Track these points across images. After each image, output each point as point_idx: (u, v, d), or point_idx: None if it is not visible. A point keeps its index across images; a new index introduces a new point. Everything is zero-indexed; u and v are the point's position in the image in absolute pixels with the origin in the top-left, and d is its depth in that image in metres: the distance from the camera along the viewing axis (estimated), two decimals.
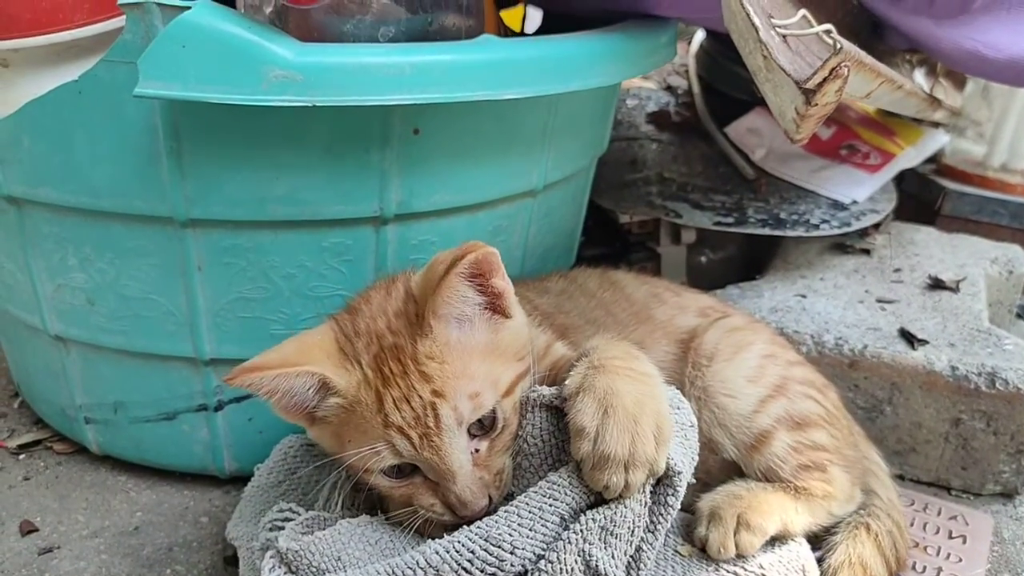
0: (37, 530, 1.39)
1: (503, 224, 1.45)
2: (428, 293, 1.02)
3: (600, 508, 0.98)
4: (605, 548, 0.97)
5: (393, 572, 0.94)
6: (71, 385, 1.48)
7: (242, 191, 1.22)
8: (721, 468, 1.31)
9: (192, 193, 1.21)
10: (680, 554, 1.22)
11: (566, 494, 0.99)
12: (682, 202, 1.93)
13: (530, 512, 0.98)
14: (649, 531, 1.02)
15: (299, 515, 1.14)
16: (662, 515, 1.02)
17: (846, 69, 0.98)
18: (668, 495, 1.02)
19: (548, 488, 1.00)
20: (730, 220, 1.86)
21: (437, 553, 0.94)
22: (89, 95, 1.17)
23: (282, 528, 1.11)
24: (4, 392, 1.79)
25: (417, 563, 0.94)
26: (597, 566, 0.96)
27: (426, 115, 1.24)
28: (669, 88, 2.48)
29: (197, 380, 1.40)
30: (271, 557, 1.05)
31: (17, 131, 1.23)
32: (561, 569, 0.95)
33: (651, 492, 1.02)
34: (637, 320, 1.36)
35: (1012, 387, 1.46)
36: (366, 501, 1.18)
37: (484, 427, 1.04)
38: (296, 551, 1.03)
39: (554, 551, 0.95)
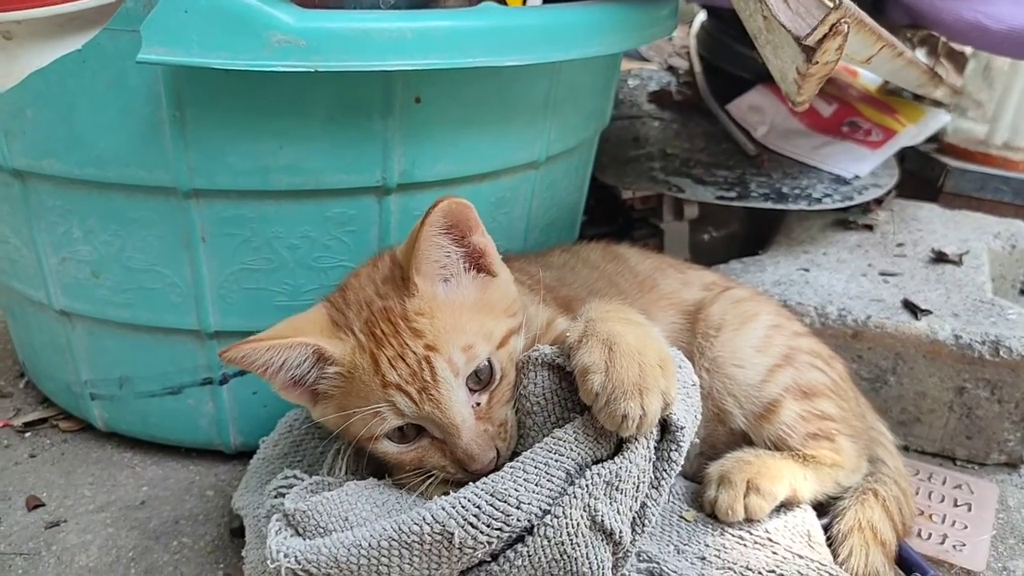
0: (43, 505, 1.40)
1: (506, 196, 1.45)
2: (409, 252, 1.03)
3: (605, 463, 0.98)
4: (611, 503, 0.98)
5: (400, 529, 0.95)
6: (76, 361, 1.48)
7: (245, 160, 1.23)
8: (728, 440, 1.32)
9: (195, 163, 1.22)
10: (685, 519, 1.23)
11: (572, 449, 0.99)
12: (684, 177, 1.93)
13: (535, 467, 0.98)
14: (653, 487, 1.03)
15: (304, 481, 1.15)
16: (666, 471, 1.03)
17: (846, 26, 0.98)
18: (671, 450, 1.02)
19: (553, 444, 1.00)
20: (732, 194, 1.86)
21: (443, 509, 0.94)
22: (92, 65, 1.17)
23: (287, 495, 1.12)
24: (10, 372, 1.80)
25: (424, 519, 0.94)
26: (603, 521, 0.97)
27: (428, 83, 1.24)
28: (670, 68, 2.49)
29: (202, 353, 1.40)
30: (277, 520, 1.06)
31: (21, 103, 1.23)
32: (567, 524, 0.95)
33: (655, 448, 1.02)
34: (641, 290, 1.37)
35: (1016, 355, 1.46)
36: (368, 466, 1.18)
37: (482, 380, 1.05)
38: (304, 511, 1.03)
39: (559, 506, 0.96)
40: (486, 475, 1.00)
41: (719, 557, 1.15)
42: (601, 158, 1.86)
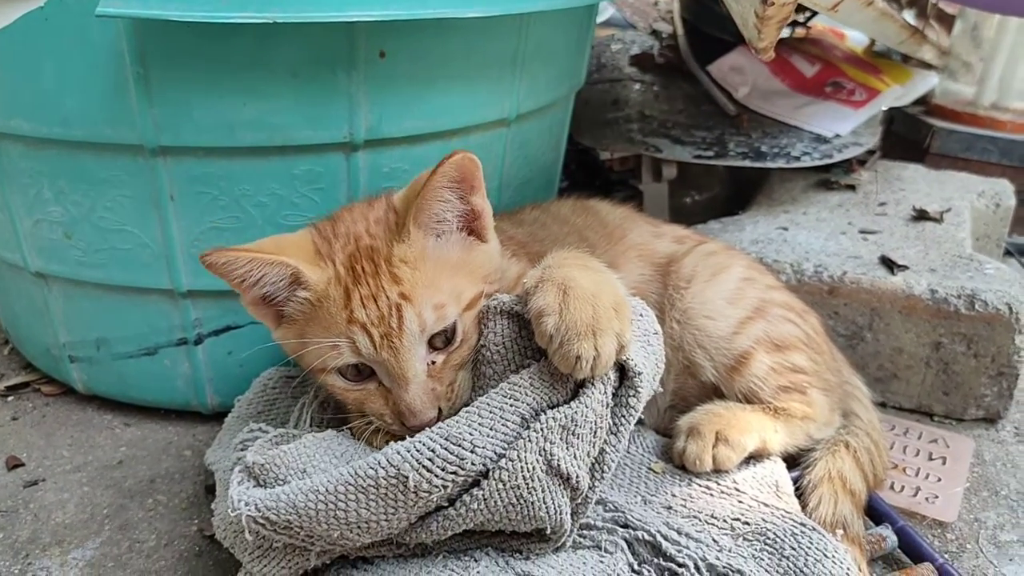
0: (23, 465, 1.41)
1: (477, 154, 1.42)
2: (411, 200, 1.03)
3: (561, 408, 0.98)
4: (567, 448, 0.98)
5: (356, 473, 0.95)
6: (54, 323, 1.49)
7: (210, 117, 1.23)
8: (700, 393, 1.32)
9: (161, 119, 1.22)
10: (653, 471, 1.24)
11: (526, 394, 1.00)
12: (663, 138, 1.92)
13: (491, 412, 0.98)
14: (612, 434, 1.03)
15: (268, 433, 1.15)
16: (624, 417, 1.03)
17: None
18: (629, 395, 1.02)
19: (508, 389, 1.00)
20: (710, 154, 1.85)
21: (398, 453, 0.95)
22: (55, 21, 1.17)
23: (250, 447, 1.13)
24: None
25: (379, 463, 0.95)
26: (559, 465, 0.97)
27: (392, 36, 1.24)
28: (654, 32, 2.47)
29: (176, 313, 1.41)
30: (240, 471, 1.07)
31: None
32: (522, 467, 0.95)
33: (613, 395, 1.02)
34: (609, 241, 1.37)
35: (992, 308, 1.46)
36: (332, 419, 1.19)
37: (445, 339, 1.05)
38: (262, 464, 1.04)
39: (515, 449, 0.96)
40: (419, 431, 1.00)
41: (685, 506, 1.16)
42: (580, 121, 1.86)
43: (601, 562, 1.04)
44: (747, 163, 1.81)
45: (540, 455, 0.97)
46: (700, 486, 1.20)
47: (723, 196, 2.14)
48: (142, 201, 1.30)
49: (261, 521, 0.97)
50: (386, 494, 0.95)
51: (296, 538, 0.98)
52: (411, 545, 1.02)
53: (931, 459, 1.43)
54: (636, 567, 1.04)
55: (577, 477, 0.99)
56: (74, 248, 1.36)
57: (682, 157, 1.83)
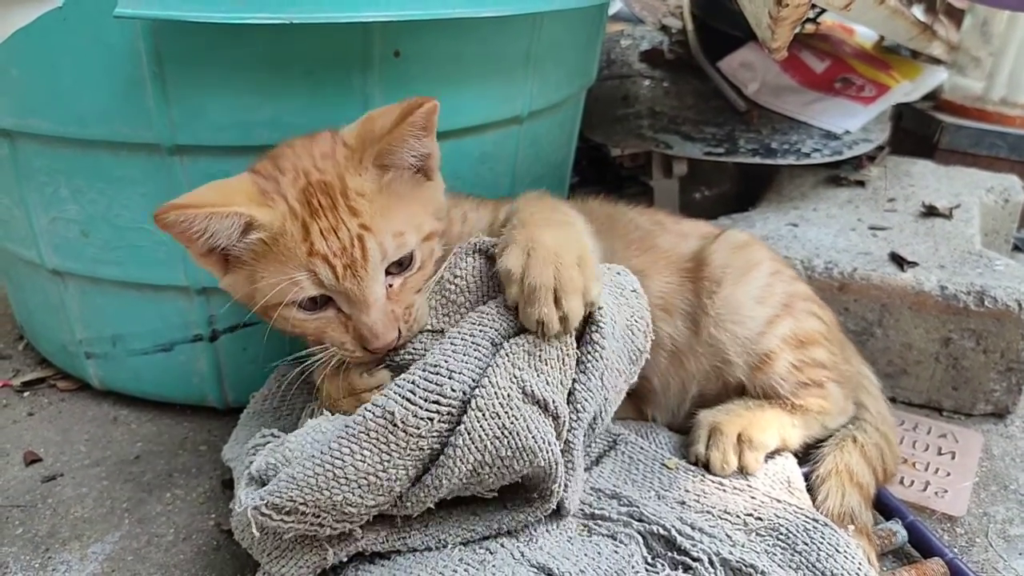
0: (40, 460, 1.43)
1: (490, 151, 1.46)
2: (370, 141, 1.04)
3: (523, 335, 1.03)
4: (537, 375, 1.01)
5: (346, 425, 0.97)
6: (70, 320, 1.51)
7: (227, 116, 1.24)
8: (719, 395, 1.34)
9: (177, 118, 1.23)
10: (667, 467, 1.25)
11: (494, 320, 1.05)
12: (673, 134, 1.93)
13: (462, 339, 1.02)
14: (581, 371, 1.06)
15: (278, 438, 1.16)
16: (590, 353, 1.06)
17: None
18: (592, 332, 1.06)
19: (477, 317, 1.05)
20: (720, 150, 1.85)
21: (382, 395, 0.98)
22: (74, 21, 1.18)
23: (258, 453, 1.14)
24: (9, 335, 1.83)
25: (366, 410, 0.97)
26: (532, 391, 1.00)
27: (406, 36, 1.25)
28: (663, 28, 2.47)
29: (191, 310, 1.42)
30: (248, 473, 1.08)
31: (6, 62, 1.24)
32: (496, 392, 0.98)
33: (579, 331, 1.06)
34: (640, 248, 1.36)
35: (1001, 304, 1.46)
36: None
37: (402, 265, 1.08)
38: (258, 472, 1.05)
39: (486, 376, 0.99)
40: (383, 354, 1.06)
41: (698, 502, 1.17)
42: (590, 117, 1.86)
43: (616, 552, 1.05)
44: (757, 160, 1.82)
45: (512, 380, 1.00)
46: (713, 482, 1.21)
47: (733, 192, 2.14)
48: (158, 199, 1.28)
49: (266, 512, 0.97)
50: (377, 437, 0.96)
51: (304, 521, 0.98)
52: (414, 513, 1.03)
53: (940, 454, 1.44)
54: (650, 560, 1.06)
55: (554, 403, 1.01)
56: (90, 246, 1.38)
57: (692, 154, 1.84)
